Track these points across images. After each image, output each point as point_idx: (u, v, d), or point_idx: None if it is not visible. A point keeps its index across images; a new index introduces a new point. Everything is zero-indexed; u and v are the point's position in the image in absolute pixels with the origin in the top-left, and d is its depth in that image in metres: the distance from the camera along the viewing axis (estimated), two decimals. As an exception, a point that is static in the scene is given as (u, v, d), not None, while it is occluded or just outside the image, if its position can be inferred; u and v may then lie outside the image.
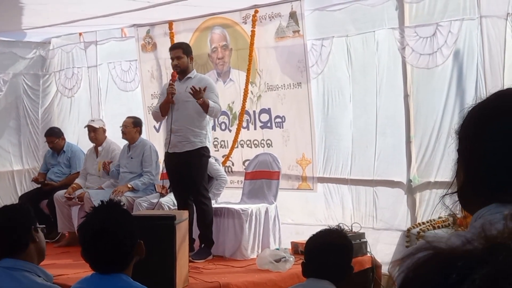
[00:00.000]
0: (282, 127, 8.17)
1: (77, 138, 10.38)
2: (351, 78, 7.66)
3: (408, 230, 6.97)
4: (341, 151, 7.79)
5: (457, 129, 1.54)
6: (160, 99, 7.41)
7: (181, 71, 7.17)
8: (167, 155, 7.21)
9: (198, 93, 6.80)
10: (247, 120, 8.48)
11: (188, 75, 7.20)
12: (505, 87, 1.57)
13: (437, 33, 6.90)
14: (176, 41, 8.63)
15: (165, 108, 7.16)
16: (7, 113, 10.69)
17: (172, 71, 7.30)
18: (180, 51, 7.19)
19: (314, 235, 3.62)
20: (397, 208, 7.32)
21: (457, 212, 1.57)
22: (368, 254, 6.94)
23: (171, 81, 7.15)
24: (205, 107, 6.92)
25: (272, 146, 8.27)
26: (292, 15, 7.89)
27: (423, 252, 0.76)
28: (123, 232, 2.99)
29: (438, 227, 6.71)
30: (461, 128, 1.53)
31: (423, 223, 6.91)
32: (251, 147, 8.50)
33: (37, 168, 10.37)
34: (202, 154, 7.12)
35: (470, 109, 1.52)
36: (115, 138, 8.94)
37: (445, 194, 1.54)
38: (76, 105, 10.75)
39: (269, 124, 8.30)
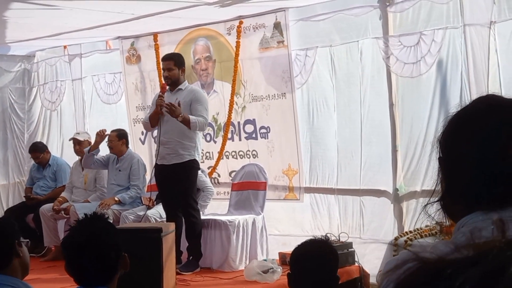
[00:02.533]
0: (267, 138, 8.16)
1: (61, 151, 10.33)
2: (335, 88, 7.67)
3: (396, 239, 6.97)
4: (327, 161, 7.79)
5: (438, 137, 1.53)
6: (151, 109, 7.35)
7: (172, 83, 7.13)
8: (157, 166, 7.18)
9: (173, 111, 6.77)
10: (232, 131, 8.46)
11: (179, 87, 7.15)
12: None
13: (420, 42, 6.93)
14: (161, 53, 8.60)
15: (155, 119, 7.11)
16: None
17: (158, 83, 7.25)
18: (172, 63, 7.14)
19: (298, 245, 3.60)
20: (384, 217, 7.32)
21: (441, 220, 1.55)
22: (356, 264, 6.92)
23: (160, 93, 7.08)
24: (186, 123, 6.87)
25: (257, 157, 8.25)
26: (277, 26, 7.90)
27: (410, 264, 0.75)
28: (106, 245, 2.96)
29: (426, 236, 6.71)
30: (442, 136, 1.52)
31: (410, 232, 6.91)
32: (236, 158, 8.48)
33: (22, 183, 10.31)
34: (191, 166, 7.07)
35: (450, 117, 1.51)
36: (100, 151, 8.87)
37: (427, 204, 1.53)
38: (61, 118, 10.70)
39: (254, 135, 8.28)
